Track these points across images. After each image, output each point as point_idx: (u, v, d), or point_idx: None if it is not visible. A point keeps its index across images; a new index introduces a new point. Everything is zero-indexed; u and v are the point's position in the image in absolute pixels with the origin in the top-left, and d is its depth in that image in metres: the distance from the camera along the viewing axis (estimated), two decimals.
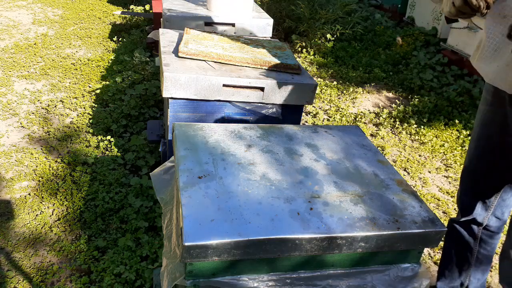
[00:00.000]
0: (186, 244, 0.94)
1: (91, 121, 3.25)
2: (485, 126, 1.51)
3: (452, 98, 3.82)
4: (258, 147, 1.34)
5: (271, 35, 2.72)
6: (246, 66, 1.97)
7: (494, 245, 1.71)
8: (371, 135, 3.41)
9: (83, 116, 3.33)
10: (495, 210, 1.61)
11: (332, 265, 1.09)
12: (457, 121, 3.52)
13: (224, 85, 1.84)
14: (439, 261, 2.21)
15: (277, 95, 1.89)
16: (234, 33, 2.64)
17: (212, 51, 1.98)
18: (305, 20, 4.92)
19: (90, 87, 3.81)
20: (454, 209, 2.61)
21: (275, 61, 1.99)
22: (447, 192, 2.77)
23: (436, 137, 3.36)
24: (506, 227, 1.66)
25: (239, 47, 2.11)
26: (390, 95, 4.09)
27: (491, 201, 1.59)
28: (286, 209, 1.07)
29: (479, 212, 1.63)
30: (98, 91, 3.66)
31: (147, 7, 5.96)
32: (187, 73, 1.81)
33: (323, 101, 3.86)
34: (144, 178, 2.61)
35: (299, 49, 4.89)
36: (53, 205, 2.41)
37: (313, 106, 3.74)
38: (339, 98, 3.94)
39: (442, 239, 1.16)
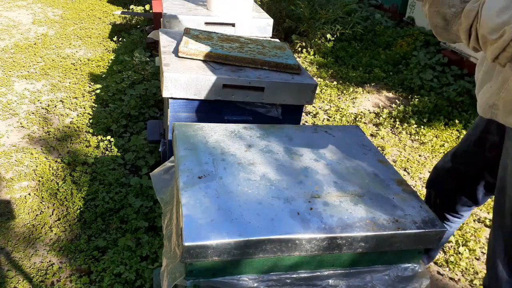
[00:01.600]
0: (186, 244, 0.94)
1: (91, 121, 3.25)
2: (472, 127, 1.53)
3: (452, 98, 3.82)
4: (258, 147, 1.34)
5: (271, 35, 2.72)
6: (246, 66, 1.97)
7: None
8: (371, 135, 3.41)
9: (83, 116, 3.33)
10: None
11: (332, 265, 1.09)
12: (457, 121, 3.52)
13: (224, 85, 1.84)
14: (439, 261, 2.21)
15: (277, 95, 1.89)
16: (234, 33, 2.64)
17: (212, 51, 1.98)
18: (305, 20, 4.91)
19: (90, 87, 3.81)
20: None
21: (275, 61, 1.99)
22: None
23: (436, 137, 3.36)
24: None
25: (239, 47, 2.11)
26: (390, 95, 4.09)
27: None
28: (286, 209, 1.07)
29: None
30: (98, 91, 3.66)
31: (147, 7, 5.96)
32: (187, 73, 1.81)
33: (323, 101, 3.86)
34: (144, 178, 2.61)
35: (299, 49, 4.89)
36: (53, 205, 2.41)
37: (313, 106, 3.74)
38: (339, 98, 3.94)
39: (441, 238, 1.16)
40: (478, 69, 1.33)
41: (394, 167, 1.37)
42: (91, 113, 3.37)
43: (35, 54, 4.42)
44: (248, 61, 1.97)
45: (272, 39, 2.48)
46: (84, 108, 3.44)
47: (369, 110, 3.76)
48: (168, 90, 1.82)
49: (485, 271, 2.22)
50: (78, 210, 2.37)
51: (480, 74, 1.29)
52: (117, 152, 2.89)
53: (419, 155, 3.16)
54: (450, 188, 1.66)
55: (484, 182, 1.53)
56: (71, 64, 4.26)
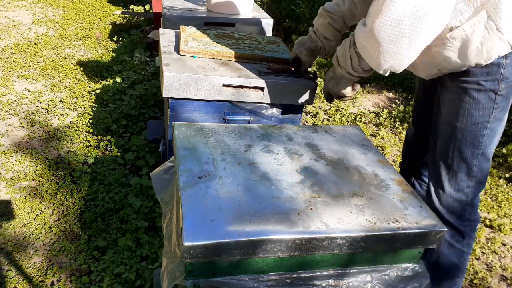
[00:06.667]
0: (186, 244, 0.94)
1: (91, 121, 3.25)
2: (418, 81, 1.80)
3: None
4: (258, 147, 1.34)
5: (271, 35, 2.72)
6: (245, 62, 1.98)
7: None
8: (371, 135, 3.41)
9: (83, 116, 3.33)
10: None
11: (332, 265, 1.09)
12: None
13: (224, 85, 1.84)
14: None
15: (277, 95, 1.89)
16: (233, 33, 2.64)
17: (212, 48, 1.99)
18: (305, 20, 4.91)
19: (90, 87, 3.81)
20: None
21: (273, 56, 2.02)
22: None
23: None
24: None
25: (236, 43, 2.12)
26: (390, 95, 4.09)
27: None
28: (286, 209, 1.07)
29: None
30: (98, 91, 3.66)
31: (147, 7, 5.96)
32: (187, 73, 1.81)
33: (323, 101, 3.86)
34: (144, 178, 2.61)
35: None
36: (53, 205, 2.41)
37: (313, 106, 3.74)
38: None
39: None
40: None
41: (394, 167, 1.37)
42: (91, 113, 3.37)
43: (35, 54, 4.42)
44: (247, 56, 2.00)
45: (265, 35, 2.49)
46: (84, 108, 3.44)
47: (369, 110, 3.76)
48: (168, 90, 1.81)
49: (485, 271, 2.23)
50: (78, 210, 2.37)
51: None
52: (117, 152, 2.89)
53: None
54: (416, 153, 1.85)
55: None
56: (71, 64, 4.26)
